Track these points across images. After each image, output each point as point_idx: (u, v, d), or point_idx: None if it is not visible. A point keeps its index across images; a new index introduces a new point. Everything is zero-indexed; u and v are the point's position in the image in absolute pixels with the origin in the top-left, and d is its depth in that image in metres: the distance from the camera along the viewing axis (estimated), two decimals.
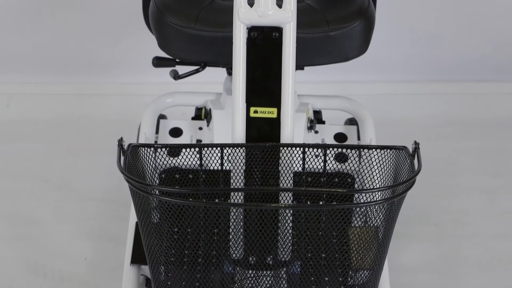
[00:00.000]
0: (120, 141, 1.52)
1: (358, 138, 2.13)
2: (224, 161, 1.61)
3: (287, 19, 1.53)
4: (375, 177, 1.61)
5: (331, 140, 2.10)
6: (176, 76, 1.92)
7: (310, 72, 2.11)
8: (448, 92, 2.79)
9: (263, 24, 1.55)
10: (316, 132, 2.10)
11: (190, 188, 1.67)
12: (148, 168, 1.59)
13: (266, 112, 1.61)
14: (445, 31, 2.81)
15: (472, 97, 2.78)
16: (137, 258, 1.82)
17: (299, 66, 1.84)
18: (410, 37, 2.81)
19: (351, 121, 2.23)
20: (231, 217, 1.56)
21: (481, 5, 2.78)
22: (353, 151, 1.79)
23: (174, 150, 1.75)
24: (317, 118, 2.13)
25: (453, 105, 2.75)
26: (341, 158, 1.88)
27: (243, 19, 1.53)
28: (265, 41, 1.58)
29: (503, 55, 2.83)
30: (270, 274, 1.59)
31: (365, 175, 1.66)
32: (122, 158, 1.50)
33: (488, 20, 2.80)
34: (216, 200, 1.66)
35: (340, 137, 2.12)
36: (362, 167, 1.70)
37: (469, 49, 2.83)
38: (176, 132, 2.11)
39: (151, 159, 1.60)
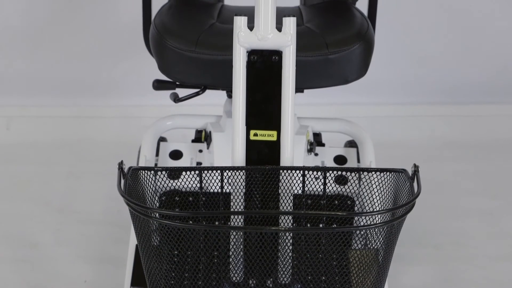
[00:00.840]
0: (121, 164, 1.53)
1: (358, 161, 2.13)
2: (224, 183, 1.61)
3: (286, 43, 1.54)
4: (375, 200, 1.61)
5: (331, 163, 2.10)
6: (176, 99, 1.92)
7: (310, 94, 2.11)
8: (448, 114, 2.80)
9: (262, 47, 1.56)
10: (316, 154, 2.10)
11: (190, 211, 1.68)
12: (148, 191, 1.59)
13: (266, 135, 1.62)
14: (444, 53, 2.82)
15: (472, 119, 2.78)
16: (137, 280, 1.81)
17: (299, 89, 1.85)
18: (409, 60, 2.82)
19: (351, 144, 2.23)
20: (231, 240, 1.56)
21: (480, 27, 2.79)
22: (353, 174, 1.79)
23: (174, 173, 1.75)
24: (317, 141, 2.14)
25: (452, 127, 2.76)
26: (341, 180, 1.88)
27: (243, 42, 1.54)
28: (265, 65, 1.59)
29: (502, 77, 2.85)
30: None
31: (365, 197, 1.66)
32: (122, 181, 1.50)
33: (488, 42, 2.81)
34: (216, 223, 1.66)
35: (340, 159, 2.12)
36: (362, 190, 1.70)
37: (468, 71, 2.84)
38: (176, 154, 2.11)
39: (151, 182, 1.60)
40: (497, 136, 2.74)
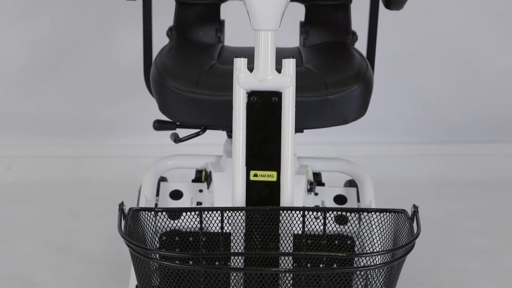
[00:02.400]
0: (121, 205, 1.53)
1: (358, 200, 2.13)
2: (224, 224, 1.62)
3: (286, 84, 1.55)
4: (375, 240, 1.61)
5: (331, 202, 2.11)
6: (176, 139, 1.93)
7: (309, 133, 2.12)
8: (447, 153, 2.81)
9: (262, 89, 1.57)
10: (316, 194, 2.10)
11: (190, 252, 1.67)
12: (148, 231, 1.60)
13: (266, 176, 1.62)
14: (443, 93, 2.84)
15: (471, 158, 2.79)
16: None
17: (299, 129, 1.86)
18: (408, 99, 2.84)
19: (351, 183, 2.24)
20: (231, 280, 1.55)
21: (478, 66, 2.81)
22: (353, 214, 1.80)
23: (175, 213, 1.75)
24: (316, 180, 2.14)
25: (452, 166, 2.76)
26: (341, 220, 1.88)
27: (243, 84, 1.55)
28: (264, 106, 1.60)
29: (501, 116, 2.86)
30: None
31: (365, 237, 1.66)
32: (122, 222, 1.50)
33: (485, 82, 2.83)
34: (216, 263, 1.66)
35: (340, 199, 2.12)
36: (362, 230, 1.70)
37: (467, 110, 2.85)
38: (176, 194, 2.11)
39: (151, 223, 1.61)
40: (496, 175, 2.74)
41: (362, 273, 1.55)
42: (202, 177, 2.12)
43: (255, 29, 1.52)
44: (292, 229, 1.61)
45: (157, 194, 2.13)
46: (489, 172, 2.75)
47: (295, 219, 1.61)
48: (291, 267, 1.60)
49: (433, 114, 2.86)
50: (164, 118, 1.92)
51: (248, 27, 1.54)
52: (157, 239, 1.64)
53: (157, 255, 1.45)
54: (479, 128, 2.86)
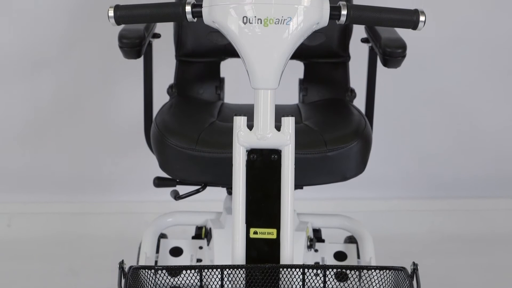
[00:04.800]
0: (121, 263, 1.53)
1: (358, 257, 2.13)
2: (224, 282, 1.61)
3: (285, 142, 1.56)
4: None
5: (331, 259, 2.10)
6: (177, 196, 1.94)
7: (309, 189, 2.12)
8: (446, 208, 2.81)
9: (262, 146, 1.58)
10: (316, 250, 2.10)
11: None
12: None
13: (265, 233, 1.62)
14: (442, 148, 2.85)
15: (471, 213, 2.79)
16: None
17: (298, 185, 1.87)
18: (407, 155, 2.85)
19: (351, 239, 2.24)
20: None
21: (476, 122, 2.82)
22: (353, 271, 1.79)
23: (175, 271, 1.75)
24: (316, 237, 2.14)
25: (451, 221, 2.76)
26: (341, 277, 1.88)
27: (243, 142, 1.56)
28: (264, 163, 1.61)
29: (500, 171, 2.86)
30: None
31: None
32: (123, 280, 1.50)
33: (484, 137, 2.84)
34: None
35: (340, 255, 2.12)
36: (362, 287, 1.70)
37: (466, 166, 2.86)
38: (176, 251, 2.11)
39: (151, 280, 1.60)
40: (497, 230, 2.74)
41: None
42: (202, 233, 2.12)
43: (255, 88, 1.54)
44: (292, 286, 1.61)
45: (157, 251, 2.13)
46: (489, 227, 2.75)
47: (295, 277, 1.60)
48: None
49: (432, 169, 2.87)
50: (164, 175, 1.93)
51: (247, 84, 1.55)
52: None
53: None
54: (478, 183, 2.86)
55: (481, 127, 2.83)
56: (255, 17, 1.49)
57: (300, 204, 2.16)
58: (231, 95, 2.26)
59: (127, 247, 2.42)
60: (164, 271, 1.63)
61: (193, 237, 2.17)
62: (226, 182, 1.84)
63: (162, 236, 2.22)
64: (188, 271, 1.61)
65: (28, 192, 2.81)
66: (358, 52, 2.21)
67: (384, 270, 1.58)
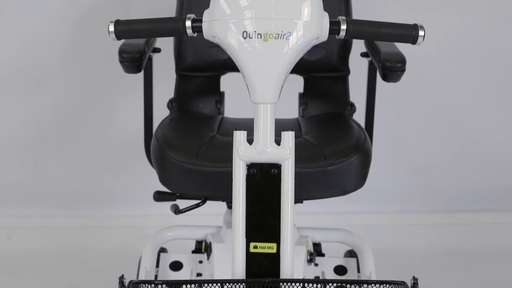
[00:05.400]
0: (121, 278, 1.53)
1: (358, 271, 2.13)
2: None
3: (285, 156, 1.56)
4: None
5: (331, 273, 2.10)
6: (177, 210, 1.94)
7: (309, 203, 2.13)
8: (447, 222, 2.81)
9: (262, 161, 1.58)
10: (316, 264, 2.10)
11: None
12: None
13: (265, 248, 1.62)
14: (442, 162, 2.85)
15: (471, 227, 2.79)
16: None
17: (298, 199, 1.87)
18: (407, 169, 2.85)
19: (351, 253, 2.24)
20: None
21: (476, 137, 2.83)
22: (353, 286, 1.79)
23: (174, 286, 1.75)
24: (316, 251, 2.14)
25: (452, 235, 2.76)
26: None
27: (243, 156, 1.56)
28: (264, 177, 1.61)
29: (500, 185, 2.86)
30: None
31: None
32: None
33: (484, 151, 2.84)
34: None
35: (340, 269, 2.12)
36: None
37: (466, 179, 2.86)
38: (176, 266, 2.11)
39: None
40: (497, 244, 2.74)
41: None
42: (202, 248, 2.12)
43: (254, 102, 1.54)
44: None
45: (157, 265, 2.13)
46: (489, 241, 2.75)
47: None
48: None
49: (432, 183, 2.87)
50: (164, 189, 1.93)
51: (247, 99, 1.56)
52: None
53: None
54: (478, 197, 2.87)
55: (480, 140, 2.83)
56: (255, 32, 1.49)
57: (300, 218, 2.16)
58: (231, 109, 2.26)
59: (127, 261, 2.42)
60: (164, 285, 1.63)
61: (193, 251, 2.17)
62: (226, 196, 1.84)
63: (162, 250, 2.22)
64: (188, 286, 1.60)
65: (28, 206, 2.81)
66: (358, 66, 2.22)
67: (385, 285, 1.58)
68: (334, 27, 1.54)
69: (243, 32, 1.50)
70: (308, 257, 2.02)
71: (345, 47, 2.15)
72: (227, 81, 2.24)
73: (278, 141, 1.58)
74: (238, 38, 1.50)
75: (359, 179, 1.87)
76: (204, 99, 2.18)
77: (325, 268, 2.11)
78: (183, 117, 2.08)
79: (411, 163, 2.84)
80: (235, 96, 2.34)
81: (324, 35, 1.54)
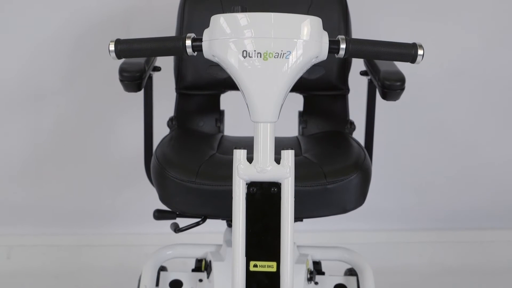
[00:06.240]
0: None
1: None
2: None
3: (285, 175, 1.56)
4: None
5: None
6: (176, 229, 1.94)
7: (309, 221, 2.13)
8: (446, 240, 2.81)
9: (262, 179, 1.58)
10: (316, 283, 2.10)
11: None
12: None
13: (265, 266, 1.62)
14: (442, 181, 2.85)
15: (471, 245, 2.79)
16: None
17: (298, 218, 1.87)
18: (407, 187, 2.85)
19: (351, 272, 2.23)
20: None
21: (476, 155, 2.83)
22: None
23: None
24: (316, 269, 2.14)
25: (452, 253, 2.76)
26: None
27: (242, 175, 1.56)
28: (264, 196, 1.61)
29: (499, 203, 2.86)
30: None
31: None
32: None
33: (484, 169, 2.84)
34: None
35: None
36: None
37: (465, 197, 2.86)
38: (176, 284, 2.11)
39: None
40: (497, 262, 2.73)
41: None
42: (202, 266, 2.12)
43: (254, 121, 1.54)
44: None
45: (157, 284, 2.13)
46: (489, 259, 2.74)
47: None
48: None
49: (432, 201, 2.87)
50: (164, 207, 1.93)
51: (247, 117, 1.56)
52: None
53: None
54: (477, 215, 2.86)
55: (480, 158, 2.83)
56: (254, 51, 1.50)
57: (300, 236, 2.16)
58: (231, 128, 2.26)
59: (127, 279, 2.42)
60: None
61: (193, 270, 2.16)
62: (226, 215, 1.84)
63: (162, 268, 2.22)
64: None
65: (27, 224, 2.81)
66: (358, 84, 2.22)
67: None
68: (333, 46, 1.55)
69: (243, 51, 1.50)
70: (308, 276, 2.02)
71: (345, 66, 2.15)
72: (227, 99, 2.24)
73: (278, 160, 1.58)
74: (238, 57, 1.50)
75: (359, 197, 1.87)
76: (204, 117, 2.18)
77: (325, 287, 2.11)
78: (183, 136, 2.08)
79: (411, 181, 2.84)
80: (235, 114, 2.34)
81: (323, 54, 1.55)
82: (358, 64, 2.14)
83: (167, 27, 2.45)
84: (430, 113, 2.79)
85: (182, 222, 1.96)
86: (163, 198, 1.88)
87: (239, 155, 1.57)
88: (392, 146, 2.78)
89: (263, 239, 1.62)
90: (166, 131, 2.14)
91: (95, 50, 2.62)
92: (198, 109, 2.18)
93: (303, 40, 1.50)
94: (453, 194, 2.86)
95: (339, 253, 2.18)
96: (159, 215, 2.00)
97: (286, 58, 1.50)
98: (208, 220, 1.95)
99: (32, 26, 2.62)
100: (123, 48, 1.56)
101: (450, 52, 2.72)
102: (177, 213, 1.96)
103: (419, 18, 2.66)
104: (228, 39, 1.51)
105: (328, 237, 2.70)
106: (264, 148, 1.55)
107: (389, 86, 1.85)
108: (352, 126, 2.14)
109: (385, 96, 1.87)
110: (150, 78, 2.06)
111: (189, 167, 1.85)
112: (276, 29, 1.49)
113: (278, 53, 1.50)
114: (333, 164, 1.87)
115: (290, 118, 2.21)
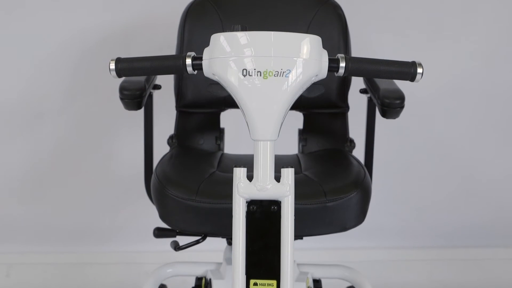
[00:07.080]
0: None
1: None
2: None
3: (285, 193, 1.56)
4: None
5: None
6: (176, 247, 1.93)
7: (309, 239, 2.13)
8: (446, 258, 2.80)
9: (261, 198, 1.58)
10: None
11: None
12: None
13: (266, 285, 1.62)
14: (442, 198, 2.85)
15: (470, 262, 2.79)
16: None
17: (298, 236, 1.87)
18: (407, 204, 2.85)
19: None
20: None
21: (475, 172, 2.83)
22: None
23: None
24: (317, 287, 2.13)
25: (451, 270, 2.75)
26: None
27: (242, 193, 1.56)
28: (264, 214, 1.61)
29: (499, 220, 2.86)
30: None
31: None
32: None
33: (483, 187, 2.84)
34: None
35: None
36: None
37: (466, 215, 2.86)
38: None
39: None
40: (497, 280, 2.73)
41: None
42: (202, 284, 2.11)
43: (254, 139, 1.55)
44: None
45: None
46: (488, 276, 2.74)
47: None
48: None
49: (431, 218, 2.86)
50: (164, 225, 1.93)
51: (247, 135, 1.56)
52: None
53: None
54: (478, 233, 2.86)
55: (479, 176, 2.83)
56: (254, 69, 1.50)
57: (300, 254, 2.16)
58: (231, 146, 2.27)
59: None
60: None
61: None
62: (226, 233, 1.84)
63: (162, 286, 2.21)
64: None
65: (27, 242, 2.81)
66: (357, 102, 2.23)
67: None
68: (333, 65, 1.55)
69: (243, 69, 1.50)
70: None
71: (344, 84, 2.16)
72: (227, 118, 2.25)
73: (278, 178, 1.58)
74: (238, 75, 1.51)
75: (359, 216, 1.87)
76: (204, 135, 2.18)
77: None
78: (183, 154, 2.09)
79: (410, 198, 2.84)
80: (235, 132, 2.34)
81: (323, 73, 1.55)
82: (357, 82, 2.14)
83: (168, 46, 2.46)
84: (429, 130, 2.79)
85: (182, 240, 1.96)
86: (163, 216, 1.88)
87: (239, 173, 1.57)
88: (392, 164, 2.78)
89: (263, 257, 1.62)
90: (166, 149, 2.14)
91: (95, 68, 2.62)
92: (198, 127, 2.18)
93: (302, 59, 1.51)
94: (453, 212, 2.86)
95: (339, 271, 2.18)
96: (159, 233, 2.00)
97: (286, 76, 1.51)
98: (208, 238, 1.95)
99: (32, 45, 2.63)
100: (124, 66, 1.57)
101: (449, 69, 2.73)
102: (177, 231, 1.96)
103: (419, 35, 2.67)
104: (228, 57, 1.51)
105: (328, 255, 2.70)
106: (264, 166, 1.55)
107: (388, 104, 1.85)
108: (352, 144, 2.14)
109: (384, 114, 1.87)
110: (151, 96, 2.06)
111: (189, 185, 1.85)
112: (276, 47, 1.50)
113: (278, 72, 1.50)
114: (333, 182, 1.87)
115: (290, 136, 2.21)
